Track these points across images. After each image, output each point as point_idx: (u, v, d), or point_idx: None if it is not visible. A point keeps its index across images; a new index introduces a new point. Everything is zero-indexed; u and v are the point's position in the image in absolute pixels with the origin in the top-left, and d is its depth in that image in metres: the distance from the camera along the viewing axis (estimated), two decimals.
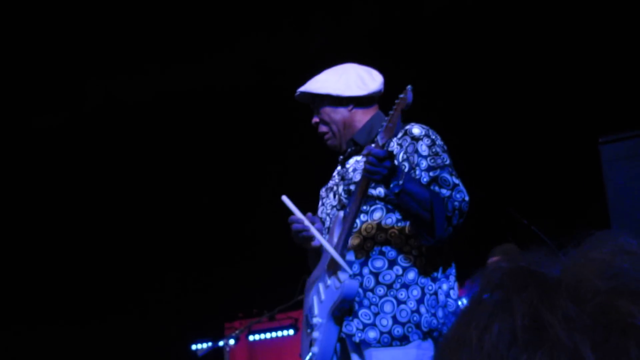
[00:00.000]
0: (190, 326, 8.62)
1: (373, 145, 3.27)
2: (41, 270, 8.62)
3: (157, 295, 8.52)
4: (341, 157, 3.78)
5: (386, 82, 3.69)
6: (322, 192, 3.89)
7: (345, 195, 3.64)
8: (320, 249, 3.70)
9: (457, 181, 3.40)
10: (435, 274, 3.44)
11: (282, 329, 8.36)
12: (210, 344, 7.14)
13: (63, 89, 7.59)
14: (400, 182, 3.24)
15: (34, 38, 6.95)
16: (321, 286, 3.61)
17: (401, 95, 3.25)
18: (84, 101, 7.84)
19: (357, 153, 3.68)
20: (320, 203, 3.89)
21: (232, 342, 7.04)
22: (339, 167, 3.82)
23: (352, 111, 3.68)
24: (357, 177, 3.52)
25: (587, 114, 5.66)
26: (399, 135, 3.54)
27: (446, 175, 3.38)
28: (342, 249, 3.49)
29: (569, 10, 5.74)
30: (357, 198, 3.42)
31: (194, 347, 8.50)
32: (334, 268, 3.54)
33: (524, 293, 0.72)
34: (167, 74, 7.51)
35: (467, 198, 3.38)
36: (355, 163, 3.67)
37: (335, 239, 3.55)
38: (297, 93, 3.74)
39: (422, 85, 3.61)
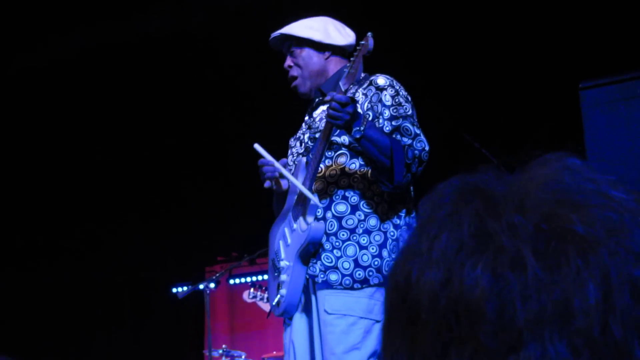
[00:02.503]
0: (171, 270, 8.63)
1: (336, 91, 3.37)
2: (21, 210, 8.59)
3: (138, 240, 8.51)
4: (309, 107, 3.87)
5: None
6: (291, 142, 3.94)
7: (311, 143, 3.72)
8: (286, 194, 3.79)
9: (418, 131, 3.50)
10: (397, 221, 3.57)
11: (262, 272, 8.38)
12: (190, 286, 7.16)
13: None
14: (362, 128, 3.33)
15: None
16: (287, 230, 3.68)
17: (362, 42, 3.35)
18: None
19: (324, 102, 3.73)
20: (289, 152, 3.93)
21: (212, 285, 7.05)
22: (306, 117, 3.90)
23: (328, 59, 3.77)
24: (323, 125, 3.56)
25: (568, 59, 5.63)
26: (364, 85, 3.65)
27: (408, 125, 3.49)
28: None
29: None
30: (321, 143, 3.50)
31: (174, 290, 8.52)
32: (299, 211, 3.61)
33: (471, 205, 0.76)
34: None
35: (427, 147, 3.49)
36: (322, 112, 3.72)
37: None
38: (277, 34, 3.75)
39: (390, 30, 3.58)
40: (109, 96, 7.94)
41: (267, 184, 3.65)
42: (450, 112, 4.08)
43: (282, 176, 3.71)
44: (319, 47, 3.74)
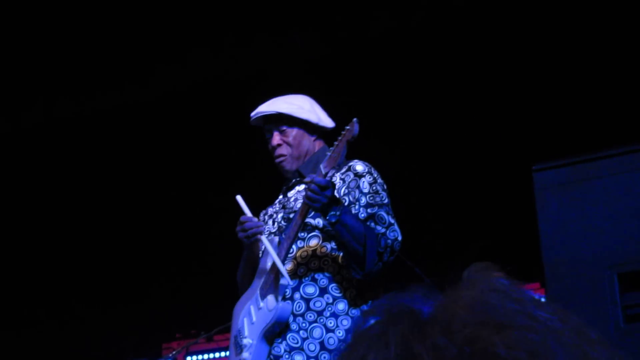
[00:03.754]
0: (126, 345, 8.48)
1: (317, 173, 3.39)
2: None
3: (92, 312, 8.38)
4: (284, 187, 3.87)
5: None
6: (261, 216, 3.91)
7: (285, 223, 3.72)
8: (254, 262, 3.74)
9: (392, 220, 3.54)
10: (364, 307, 3.55)
11: (220, 350, 8.26)
12: None
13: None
14: (338, 212, 3.36)
15: None
16: (252, 308, 3.64)
17: (347, 127, 3.37)
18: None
19: (300, 183, 3.75)
20: None
21: None
22: (280, 196, 3.90)
23: (315, 141, 3.80)
24: (298, 205, 3.58)
25: (521, 141, 5.67)
26: (343, 170, 3.67)
27: (383, 214, 3.52)
28: (277, 274, 3.57)
29: (499, 35, 5.77)
30: (296, 223, 3.50)
31: None
32: (267, 290, 3.57)
33: (398, 326, 0.77)
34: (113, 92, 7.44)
35: (399, 237, 3.53)
36: (297, 193, 3.75)
37: (269, 264, 3.62)
38: (271, 112, 3.75)
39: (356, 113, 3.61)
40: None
41: (246, 241, 3.63)
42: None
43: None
44: (311, 129, 3.77)
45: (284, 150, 3.74)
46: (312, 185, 3.30)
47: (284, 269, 3.49)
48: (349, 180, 3.61)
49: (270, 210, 3.90)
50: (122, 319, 8.40)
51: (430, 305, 0.79)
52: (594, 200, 4.59)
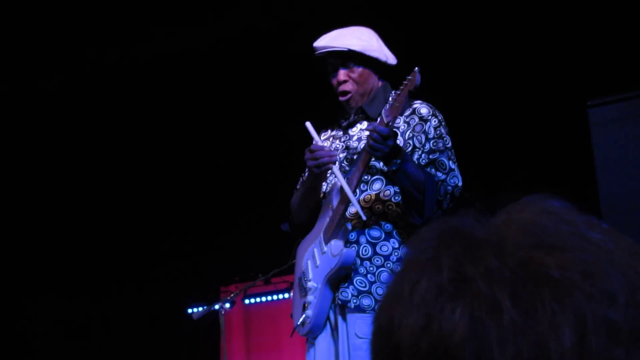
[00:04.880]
0: (186, 290, 8.63)
1: (378, 121, 3.33)
2: (39, 239, 8.63)
3: (153, 260, 8.51)
4: (344, 121, 3.75)
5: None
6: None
7: (347, 164, 3.64)
8: (315, 194, 3.69)
9: (453, 166, 3.50)
10: None
11: (277, 292, 8.34)
12: (205, 307, 7.15)
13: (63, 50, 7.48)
14: (399, 161, 3.31)
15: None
16: (316, 251, 3.62)
17: (409, 77, 3.29)
18: (83, 64, 7.77)
19: (361, 121, 3.67)
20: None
21: (227, 305, 7.02)
22: (338, 131, 3.80)
23: (378, 79, 3.69)
24: (361, 146, 3.52)
25: (575, 77, 5.60)
26: (407, 112, 3.57)
27: (444, 159, 3.48)
28: (342, 217, 3.52)
29: None
30: (358, 169, 3.45)
31: (189, 310, 8.51)
32: (332, 234, 3.54)
33: (450, 250, 0.77)
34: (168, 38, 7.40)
35: (460, 183, 3.49)
36: (360, 132, 3.67)
37: (335, 201, 3.57)
38: (342, 48, 3.61)
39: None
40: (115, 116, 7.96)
41: (316, 170, 3.50)
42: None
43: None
44: (378, 68, 3.66)
45: (349, 86, 3.62)
46: (374, 134, 3.25)
47: (356, 201, 3.43)
48: (414, 123, 3.54)
49: (332, 144, 3.78)
50: (181, 264, 8.55)
51: (482, 228, 0.79)
52: None
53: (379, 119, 3.35)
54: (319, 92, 4.11)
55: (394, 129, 3.42)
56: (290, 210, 3.84)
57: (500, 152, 5.93)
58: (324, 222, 3.63)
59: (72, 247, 8.50)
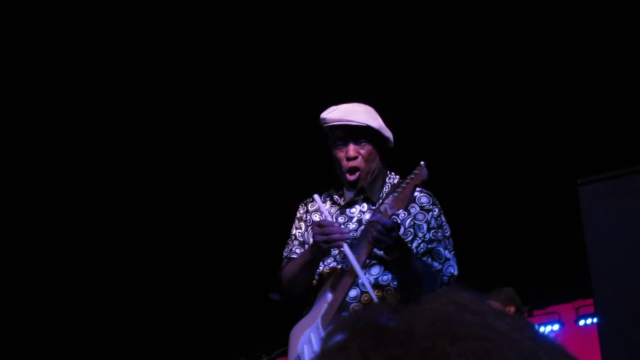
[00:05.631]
0: None
1: (380, 214, 3.30)
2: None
3: (158, 338, 8.48)
4: (338, 198, 3.71)
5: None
6: (305, 216, 3.78)
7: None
8: (313, 271, 3.61)
9: (449, 255, 3.51)
10: None
11: None
12: None
13: None
14: (400, 253, 3.32)
15: None
16: (313, 337, 3.57)
17: (415, 171, 3.27)
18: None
19: (360, 202, 3.64)
20: (297, 224, 3.80)
21: None
22: (333, 208, 3.73)
23: (380, 162, 3.65)
24: (361, 230, 3.50)
25: (566, 156, 5.63)
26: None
27: (440, 249, 3.50)
28: (343, 301, 3.46)
29: (545, 49, 5.74)
30: (361, 258, 3.39)
31: None
32: (331, 320, 3.46)
33: (360, 339, 0.79)
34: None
35: (455, 273, 3.50)
36: (360, 214, 3.63)
37: (341, 283, 3.49)
38: (362, 124, 3.54)
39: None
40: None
41: (324, 246, 3.39)
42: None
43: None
44: (383, 149, 3.62)
45: (359, 163, 3.55)
46: (379, 227, 3.21)
47: (368, 282, 3.37)
48: (415, 212, 3.54)
49: (315, 216, 3.72)
50: (188, 345, 8.50)
51: (393, 319, 0.81)
52: None
53: (383, 210, 3.32)
54: (303, 168, 4.10)
55: (396, 220, 3.40)
56: (282, 280, 3.72)
57: (493, 230, 5.93)
58: (321, 307, 3.56)
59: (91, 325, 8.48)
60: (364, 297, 3.48)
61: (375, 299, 3.37)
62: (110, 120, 7.14)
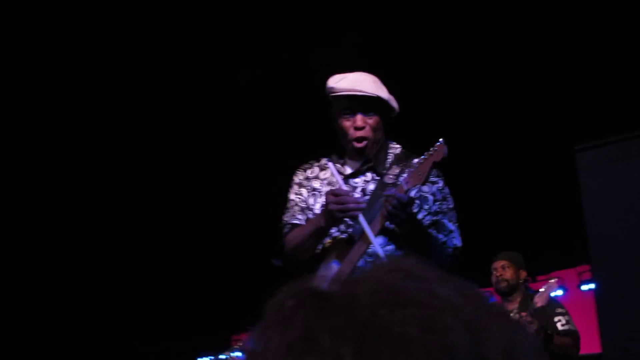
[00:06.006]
0: (197, 339, 8.63)
1: (395, 188, 3.30)
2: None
3: (165, 308, 8.54)
4: (341, 166, 3.68)
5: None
6: (305, 182, 3.76)
7: (353, 222, 3.53)
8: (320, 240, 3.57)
9: (452, 227, 3.53)
10: None
11: None
12: (213, 356, 7.15)
13: None
14: (412, 226, 3.33)
15: None
16: None
17: (435, 148, 3.27)
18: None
19: (364, 173, 3.62)
20: (297, 189, 3.77)
21: (237, 354, 7.04)
22: (336, 174, 3.65)
23: (383, 131, 3.63)
24: (366, 200, 3.48)
25: (563, 122, 5.63)
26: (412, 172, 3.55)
27: (445, 221, 3.52)
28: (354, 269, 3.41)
29: (542, 19, 5.72)
30: (374, 231, 3.38)
31: None
32: None
33: (303, 307, 0.80)
34: None
35: (459, 244, 3.53)
36: (364, 184, 3.62)
37: (353, 253, 3.47)
38: (373, 95, 3.53)
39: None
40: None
41: (339, 214, 3.35)
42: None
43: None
44: (387, 120, 3.60)
45: (367, 133, 3.54)
46: (394, 201, 3.21)
47: (380, 248, 3.36)
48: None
49: (314, 183, 3.74)
50: (194, 314, 8.56)
51: (338, 288, 0.81)
52: (637, 178, 4.57)
53: (399, 186, 3.31)
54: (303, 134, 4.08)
55: (411, 196, 3.38)
56: (285, 246, 3.70)
57: (494, 198, 5.94)
58: (324, 277, 3.48)
59: (85, 284, 8.54)
60: None
61: None
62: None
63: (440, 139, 3.24)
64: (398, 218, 3.27)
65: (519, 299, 5.97)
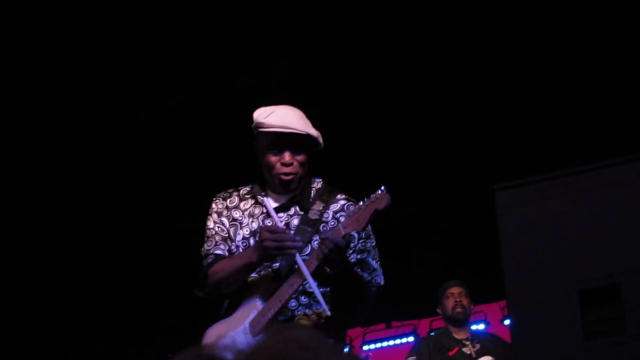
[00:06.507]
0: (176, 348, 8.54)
1: (331, 232, 3.26)
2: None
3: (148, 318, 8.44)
4: (271, 201, 3.63)
5: None
6: (225, 212, 3.69)
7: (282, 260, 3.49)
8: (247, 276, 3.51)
9: (376, 266, 3.56)
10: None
11: None
12: None
13: None
14: (342, 269, 3.35)
15: None
16: (238, 339, 3.41)
17: (377, 195, 3.22)
18: None
19: (287, 207, 3.61)
20: (216, 218, 3.69)
21: None
22: (257, 208, 3.66)
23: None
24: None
25: (483, 162, 5.70)
26: (335, 208, 3.57)
27: (369, 260, 3.54)
28: (279, 312, 3.40)
29: (464, 58, 5.80)
30: (304, 274, 3.32)
31: None
32: (261, 329, 3.36)
33: None
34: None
35: (382, 283, 3.56)
36: (288, 218, 3.58)
37: (282, 291, 3.41)
38: (303, 132, 3.50)
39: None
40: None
41: (274, 252, 3.32)
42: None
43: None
44: (314, 154, 3.61)
45: (295, 169, 3.54)
46: (331, 245, 3.20)
47: (319, 295, 3.31)
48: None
49: (234, 213, 3.67)
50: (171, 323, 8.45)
51: (234, 355, 0.86)
52: (554, 218, 4.62)
53: (335, 229, 3.27)
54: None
55: (348, 240, 3.34)
56: (208, 277, 3.59)
57: (417, 236, 5.99)
58: (248, 312, 3.45)
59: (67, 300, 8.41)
60: (312, 313, 3.45)
61: (329, 313, 3.34)
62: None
63: (382, 187, 3.20)
64: (334, 261, 3.26)
65: (468, 330, 6.02)
